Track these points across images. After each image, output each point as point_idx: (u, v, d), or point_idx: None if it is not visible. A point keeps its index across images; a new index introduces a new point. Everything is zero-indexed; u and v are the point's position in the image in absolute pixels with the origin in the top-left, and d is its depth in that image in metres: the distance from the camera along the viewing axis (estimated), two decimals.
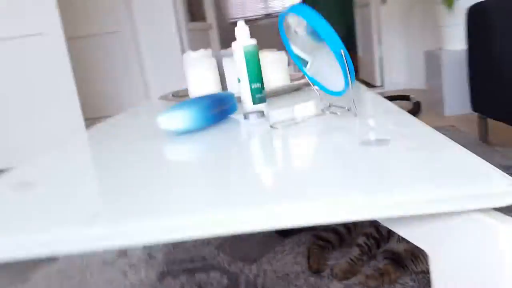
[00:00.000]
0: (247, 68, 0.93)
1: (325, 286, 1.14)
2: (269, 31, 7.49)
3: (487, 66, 1.97)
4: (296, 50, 0.78)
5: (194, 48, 3.91)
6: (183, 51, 3.85)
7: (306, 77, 0.80)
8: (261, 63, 1.13)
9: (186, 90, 1.36)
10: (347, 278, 1.15)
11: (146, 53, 3.84)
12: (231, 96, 0.87)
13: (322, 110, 0.78)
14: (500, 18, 1.88)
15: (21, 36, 2.60)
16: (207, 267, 1.30)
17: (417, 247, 1.18)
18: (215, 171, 0.58)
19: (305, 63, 0.79)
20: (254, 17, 7.25)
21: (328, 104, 0.79)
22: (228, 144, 0.71)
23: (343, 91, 0.72)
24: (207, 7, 4.35)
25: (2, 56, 2.59)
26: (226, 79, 1.14)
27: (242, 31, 0.93)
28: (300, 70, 0.80)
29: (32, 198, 0.57)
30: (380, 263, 1.19)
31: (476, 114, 2.13)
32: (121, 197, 0.52)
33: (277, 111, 0.94)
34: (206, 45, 4.32)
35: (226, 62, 1.12)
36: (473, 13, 2.05)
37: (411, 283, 1.12)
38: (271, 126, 0.75)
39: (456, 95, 2.63)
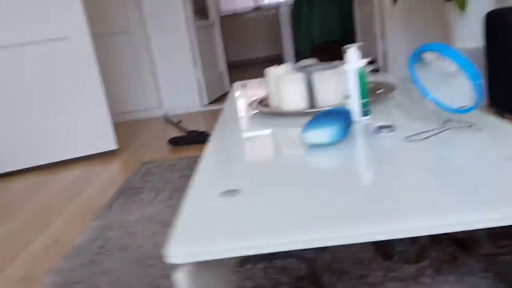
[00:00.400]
0: (358, 86, 1.07)
1: (399, 269, 1.28)
2: (257, 24, 7.60)
3: (505, 66, 2.15)
4: (421, 76, 0.92)
5: (202, 45, 3.99)
6: (192, 49, 3.93)
7: (427, 98, 0.94)
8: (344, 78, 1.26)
9: (266, 99, 1.48)
10: (417, 262, 1.29)
11: (157, 51, 3.90)
12: (349, 111, 1.00)
13: (443, 124, 0.92)
14: None
15: (47, 40, 2.64)
16: (282, 254, 1.39)
17: (481, 234, 1.32)
18: (374, 185, 0.71)
19: (428, 86, 0.93)
20: (243, 11, 7.34)
21: (445, 120, 0.93)
22: (379, 157, 0.83)
23: (469, 109, 0.86)
24: (210, 4, 4.42)
25: (29, 60, 2.63)
26: (317, 94, 1.26)
27: (354, 55, 1.06)
28: (420, 91, 0.94)
29: (248, 206, 0.68)
30: (447, 248, 1.33)
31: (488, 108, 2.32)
32: (345, 201, 0.65)
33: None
34: (211, 42, 4.40)
35: (317, 78, 1.24)
36: (492, 18, 2.22)
37: (476, 264, 1.26)
38: (406, 139, 0.88)
39: None
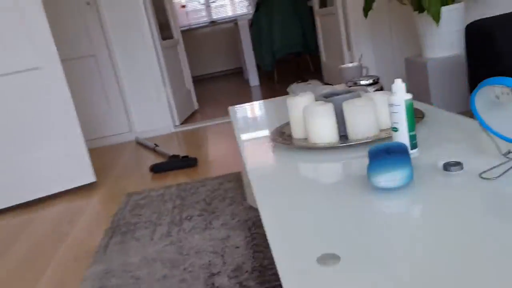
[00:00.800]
0: (407, 118, 1.03)
1: None
2: (214, 38, 7.54)
3: (487, 75, 2.22)
4: (480, 109, 0.90)
5: (169, 64, 3.88)
6: (161, 70, 3.81)
7: (486, 129, 0.92)
8: (377, 107, 1.23)
9: (286, 128, 1.43)
10: None
11: (124, 74, 3.75)
12: (406, 146, 0.96)
13: (504, 155, 0.90)
14: (498, 33, 2.14)
15: (17, 72, 2.46)
16: None
17: None
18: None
19: (486, 117, 0.91)
20: (198, 25, 7.26)
21: (507, 150, 0.92)
22: (468, 205, 0.77)
23: None
24: (172, 24, 4.32)
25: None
26: (347, 124, 1.22)
27: (400, 86, 1.03)
28: (481, 124, 0.92)
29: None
30: None
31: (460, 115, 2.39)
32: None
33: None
34: (176, 60, 4.30)
35: (348, 108, 1.20)
36: (472, 29, 2.29)
37: None
38: (481, 176, 0.85)
39: (442, 97, 2.89)
